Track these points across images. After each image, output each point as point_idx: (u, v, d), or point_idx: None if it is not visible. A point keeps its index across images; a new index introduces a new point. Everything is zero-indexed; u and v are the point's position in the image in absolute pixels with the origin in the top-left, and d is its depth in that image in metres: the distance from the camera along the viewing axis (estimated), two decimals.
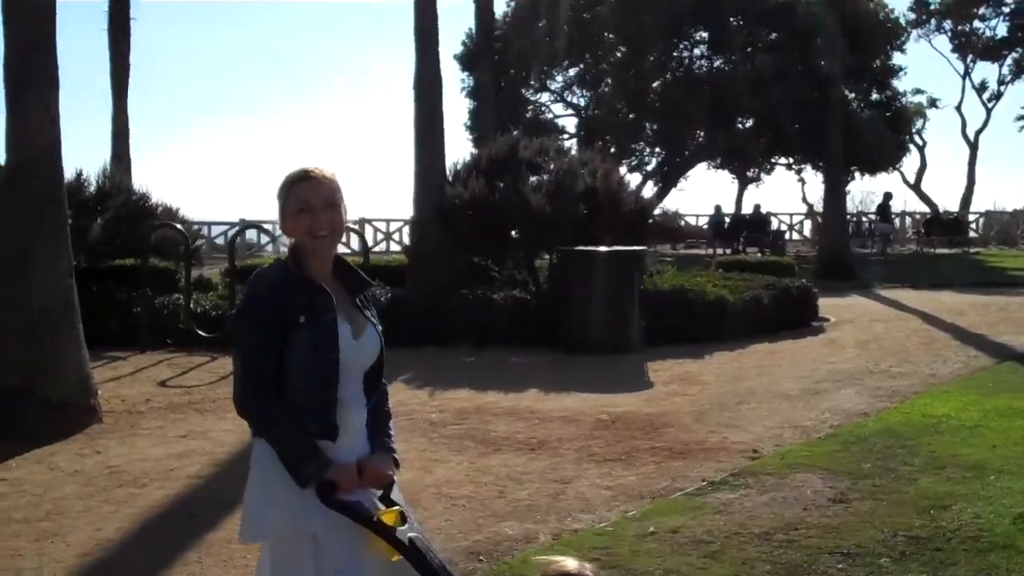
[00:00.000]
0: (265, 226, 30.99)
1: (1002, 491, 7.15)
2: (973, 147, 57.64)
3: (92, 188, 16.91)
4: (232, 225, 32.82)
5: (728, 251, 35.03)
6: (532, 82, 44.57)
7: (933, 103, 51.76)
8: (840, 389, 11.47)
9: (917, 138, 53.56)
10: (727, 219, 40.82)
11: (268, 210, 34.77)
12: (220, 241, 33.27)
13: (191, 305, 15.03)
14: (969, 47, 54.23)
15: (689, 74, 41.82)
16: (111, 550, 6.20)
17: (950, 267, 30.49)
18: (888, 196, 39.65)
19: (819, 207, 40.34)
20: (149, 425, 9.79)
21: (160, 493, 7.41)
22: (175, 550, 6.15)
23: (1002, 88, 55.56)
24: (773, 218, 42.70)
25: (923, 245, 39.40)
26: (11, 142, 9.84)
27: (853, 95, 40.42)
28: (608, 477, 7.84)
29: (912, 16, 52.66)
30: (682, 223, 46.13)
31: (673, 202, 62.28)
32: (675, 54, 42.47)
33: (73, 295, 9.86)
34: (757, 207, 39.84)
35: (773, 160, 46.68)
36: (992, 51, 53.58)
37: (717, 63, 41.93)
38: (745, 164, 46.68)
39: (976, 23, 53.19)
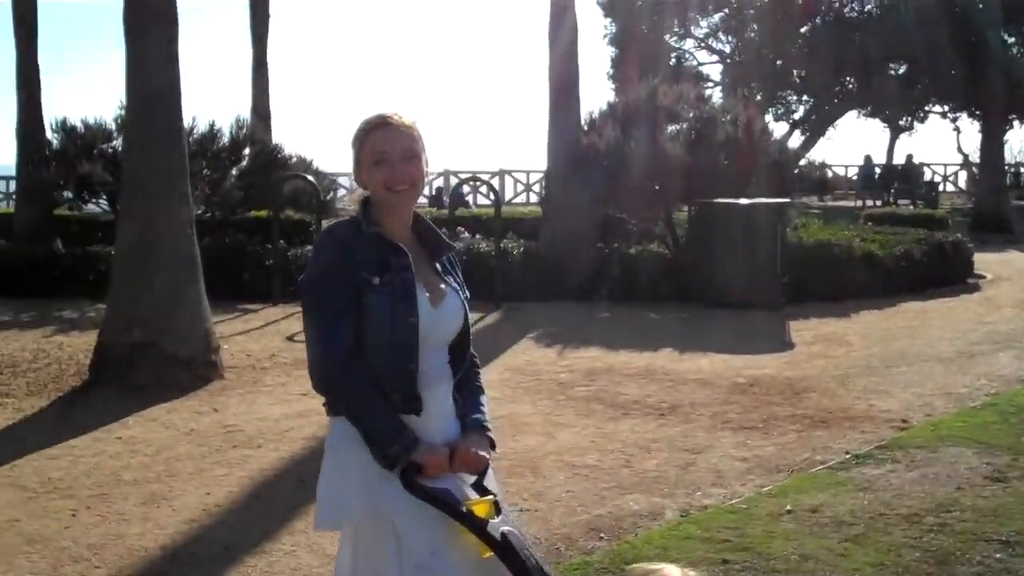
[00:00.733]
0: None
1: None
2: None
3: (226, 139, 16.88)
4: None
5: (878, 203, 33.83)
6: (676, 28, 43.51)
7: None
8: (997, 352, 10.78)
9: None
10: (877, 170, 39.38)
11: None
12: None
13: None
14: None
15: (839, 18, 40.30)
16: (217, 516, 5.98)
17: None
18: None
19: (975, 157, 38.68)
20: (271, 382, 9.62)
21: (274, 455, 7.19)
22: (282, 518, 5.89)
23: None
24: (926, 169, 41.03)
25: None
26: (131, 82, 9.64)
27: (1013, 40, 38.52)
28: (743, 447, 7.36)
29: None
30: (829, 174, 44.66)
31: (820, 152, 60.76)
32: None
33: (194, 247, 9.70)
34: (909, 157, 38.42)
35: (927, 108, 44.89)
36: None
37: (868, 6, 40.32)
38: (897, 112, 44.99)
39: None
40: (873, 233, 17.32)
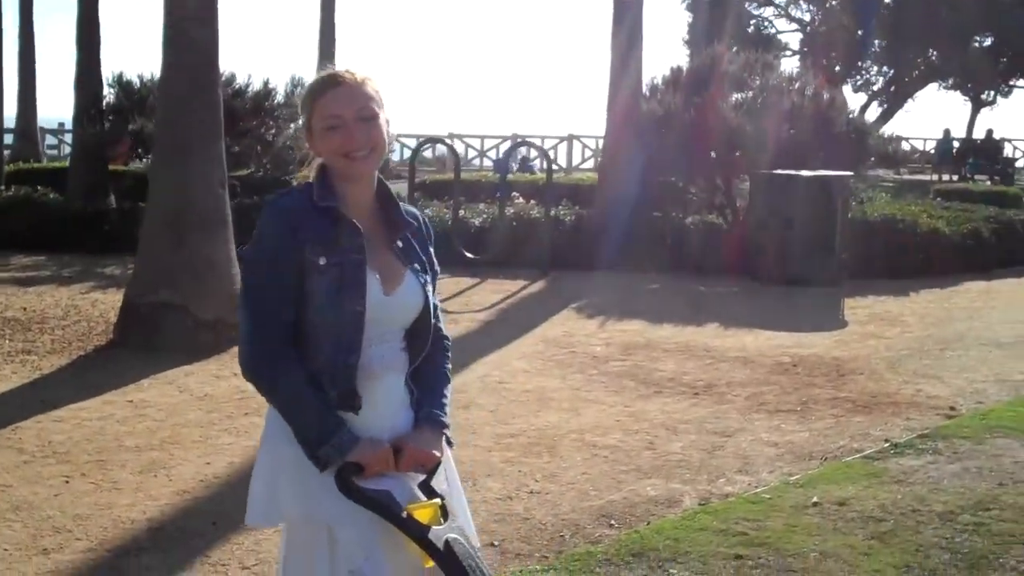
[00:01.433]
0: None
1: None
2: None
3: (280, 98, 16.68)
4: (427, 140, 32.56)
5: (954, 178, 32.86)
6: None
7: None
8: None
9: None
10: (956, 144, 38.30)
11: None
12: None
13: None
14: None
15: None
16: (213, 488, 5.73)
17: None
18: None
19: None
20: None
21: None
22: None
23: None
24: (1007, 144, 39.80)
25: None
26: (167, 30, 9.36)
27: None
28: (776, 431, 6.98)
29: None
30: (906, 147, 43.56)
31: (899, 125, 59.43)
32: None
33: (226, 207, 9.44)
34: (989, 132, 37.25)
35: (1011, 82, 43.69)
36: None
37: None
38: (979, 86, 43.79)
39: None
40: (941, 209, 16.69)
